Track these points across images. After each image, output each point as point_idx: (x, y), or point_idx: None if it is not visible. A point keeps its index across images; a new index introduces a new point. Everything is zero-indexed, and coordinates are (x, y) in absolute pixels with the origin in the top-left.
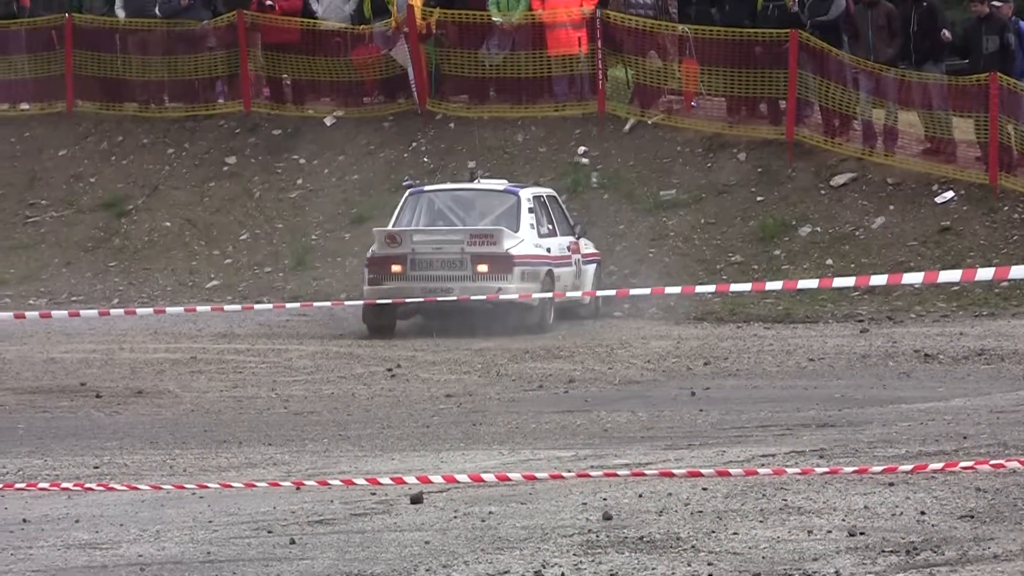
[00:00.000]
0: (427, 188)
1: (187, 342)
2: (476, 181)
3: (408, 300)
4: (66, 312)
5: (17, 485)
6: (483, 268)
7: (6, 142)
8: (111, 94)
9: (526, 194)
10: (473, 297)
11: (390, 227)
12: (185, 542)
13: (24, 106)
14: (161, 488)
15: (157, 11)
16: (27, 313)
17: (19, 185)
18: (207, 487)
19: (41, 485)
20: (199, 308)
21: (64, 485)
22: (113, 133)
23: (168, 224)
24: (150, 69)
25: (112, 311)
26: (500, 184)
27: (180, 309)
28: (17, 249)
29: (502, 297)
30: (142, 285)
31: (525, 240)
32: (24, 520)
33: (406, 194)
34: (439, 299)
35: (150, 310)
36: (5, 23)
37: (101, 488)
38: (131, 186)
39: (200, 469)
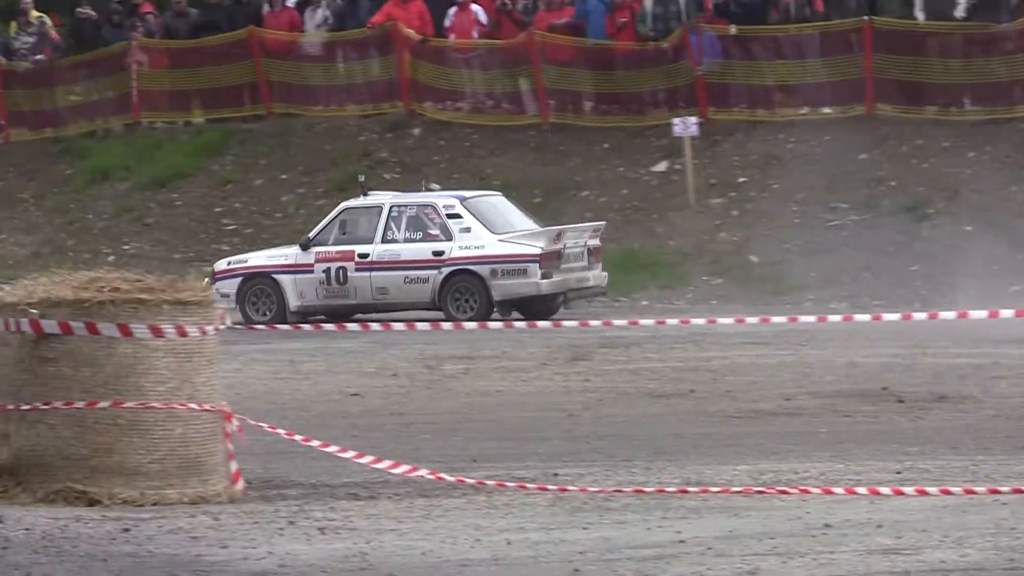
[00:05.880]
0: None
1: (989, 347)
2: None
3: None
4: (868, 315)
5: (815, 490)
6: (596, 259)
7: (807, 145)
8: (910, 97)
9: None
10: (592, 284)
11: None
12: (987, 549)
13: (825, 110)
14: (974, 493)
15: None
16: (828, 317)
17: (819, 188)
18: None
19: (840, 489)
20: (1002, 312)
21: (865, 490)
22: (912, 136)
23: (969, 228)
24: (950, 71)
25: (914, 315)
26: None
27: (983, 313)
28: (818, 253)
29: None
30: (944, 289)
31: None
32: (826, 524)
33: (458, 203)
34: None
35: (952, 314)
36: (799, 27)
37: (902, 494)
38: (931, 189)
39: (1003, 475)
